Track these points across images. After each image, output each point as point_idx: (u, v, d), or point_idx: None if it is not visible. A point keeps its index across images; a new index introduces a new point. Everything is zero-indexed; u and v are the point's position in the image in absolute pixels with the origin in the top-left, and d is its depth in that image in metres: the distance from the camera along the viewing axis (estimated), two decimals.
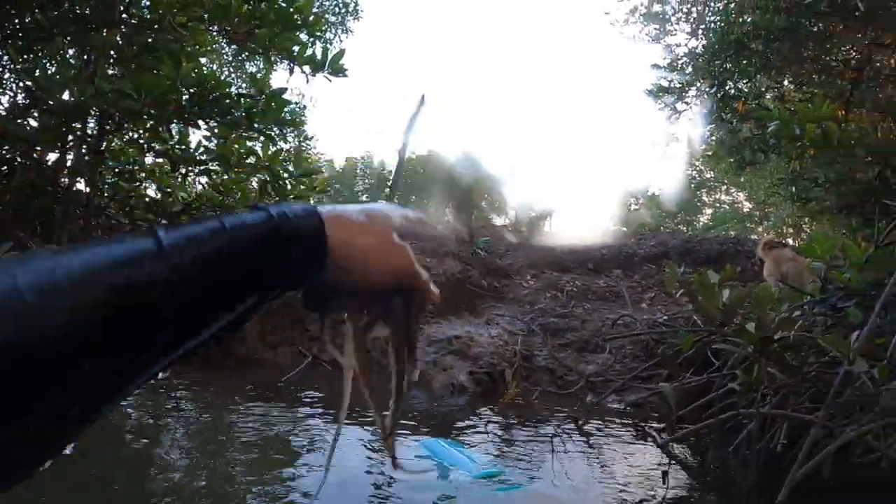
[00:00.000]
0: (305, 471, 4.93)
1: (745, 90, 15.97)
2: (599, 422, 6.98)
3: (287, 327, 9.02)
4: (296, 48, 8.27)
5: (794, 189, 13.71)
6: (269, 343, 8.83)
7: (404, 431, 6.06)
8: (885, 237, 7.75)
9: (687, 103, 17.09)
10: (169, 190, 9.66)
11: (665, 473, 5.25)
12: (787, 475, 4.75)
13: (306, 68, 8.37)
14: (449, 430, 6.30)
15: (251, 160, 9.00)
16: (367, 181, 52.15)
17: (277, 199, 9.10)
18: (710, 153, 16.76)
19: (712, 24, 16.51)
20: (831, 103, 10.79)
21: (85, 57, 8.43)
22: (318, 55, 8.31)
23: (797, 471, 4.84)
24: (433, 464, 5.22)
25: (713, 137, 17.16)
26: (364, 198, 50.65)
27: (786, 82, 15.87)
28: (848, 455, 5.33)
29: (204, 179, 9.82)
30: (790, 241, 13.81)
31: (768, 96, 14.89)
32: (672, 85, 17.00)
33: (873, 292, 6.48)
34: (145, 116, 8.09)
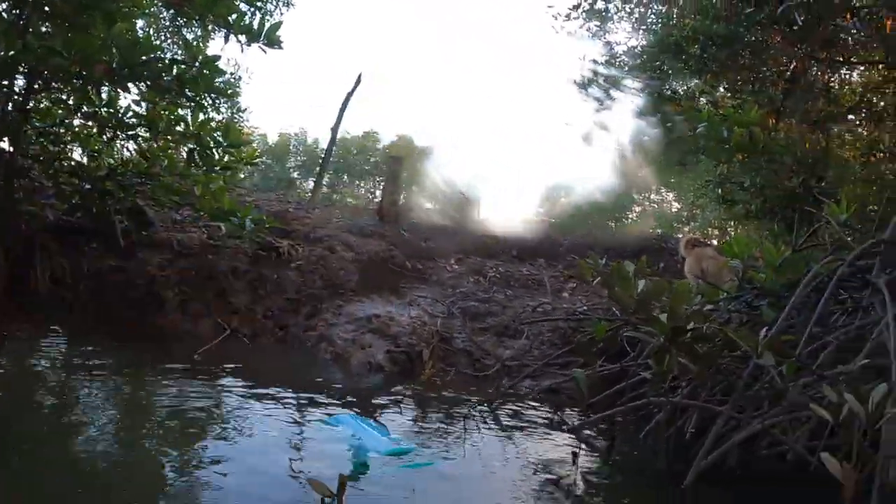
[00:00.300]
0: (219, 442, 4.89)
1: (681, 92, 16.19)
2: (514, 406, 7.01)
3: (208, 299, 8.91)
4: (233, 16, 8.14)
5: (720, 192, 13.95)
6: (188, 313, 8.70)
7: (319, 407, 6.05)
8: (804, 242, 7.95)
9: (613, 98, 17.26)
10: (95, 154, 9.47)
11: (575, 455, 5.33)
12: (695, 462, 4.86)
13: (242, 37, 8.25)
14: (364, 407, 6.28)
15: (180, 127, 8.85)
16: (299, 158, 51.61)
17: (205, 168, 8.99)
18: (639, 149, 16.96)
19: (653, 26, 16.68)
20: (762, 111, 11.01)
21: (16, 11, 8.18)
22: (256, 25, 8.20)
23: (703, 458, 4.96)
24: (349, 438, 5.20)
25: (644, 136, 17.38)
26: (295, 174, 50.22)
27: (721, 89, 16.10)
28: (754, 447, 5.41)
29: (131, 145, 9.63)
30: (714, 242, 14.05)
31: (702, 101, 15.10)
32: (602, 79, 17.17)
33: (787, 293, 6.63)
34: (74, 77, 7.91)
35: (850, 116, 17.36)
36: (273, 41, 8.28)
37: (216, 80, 8.34)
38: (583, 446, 5.74)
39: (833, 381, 4.73)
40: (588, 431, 6.20)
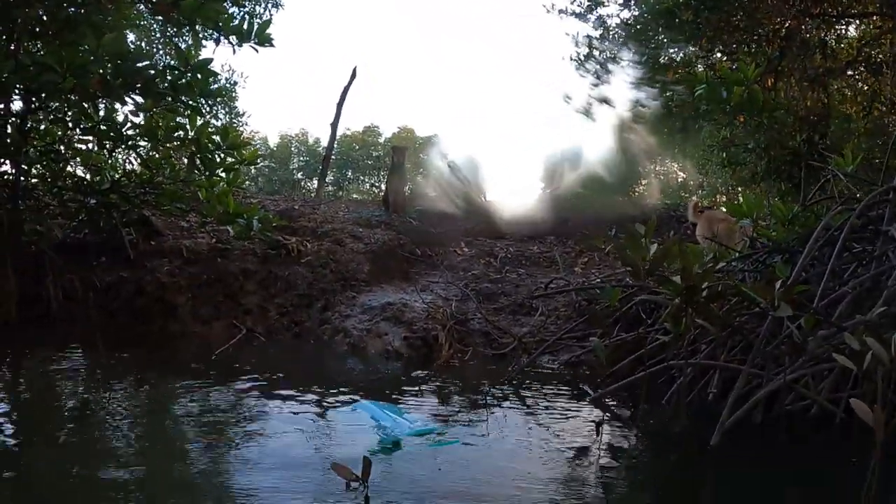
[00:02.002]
0: (244, 439, 4.88)
1: (677, 60, 16.13)
2: (535, 381, 7.00)
3: (220, 301, 8.91)
4: (222, 19, 8.11)
5: (724, 155, 13.91)
6: (201, 318, 8.70)
7: (340, 398, 6.04)
8: (812, 197, 7.92)
9: (609, 72, 17.18)
10: (97, 168, 9.47)
11: (598, 425, 5.29)
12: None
13: (233, 39, 8.22)
14: (384, 393, 6.27)
15: (179, 134, 8.84)
16: (301, 159, 51.56)
17: (207, 172, 8.99)
18: (641, 119, 16.88)
19: None
20: (759, 70, 10.95)
21: (4, 37, 8.16)
22: (245, 26, 8.17)
23: (727, 418, 4.94)
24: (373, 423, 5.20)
25: (642, 106, 17.29)
26: (299, 175, 50.15)
27: (717, 53, 16.02)
28: (776, 402, 5.39)
29: (132, 156, 9.64)
30: (722, 207, 14.00)
31: (699, 67, 15.02)
32: (597, 53, 17.09)
33: (799, 248, 6.61)
34: (69, 93, 7.89)
35: (849, 71, 17.31)
36: (264, 40, 8.24)
37: (210, 83, 8.29)
38: (606, 416, 5.76)
39: (853, 331, 4.69)
40: (610, 401, 6.20)
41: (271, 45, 8.32)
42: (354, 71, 23.86)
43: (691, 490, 4.51)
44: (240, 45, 8.29)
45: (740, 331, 6.06)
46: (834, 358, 4.56)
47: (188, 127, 8.75)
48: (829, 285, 6.08)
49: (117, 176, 9.38)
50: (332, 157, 29.22)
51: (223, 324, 8.69)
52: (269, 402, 5.83)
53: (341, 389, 6.36)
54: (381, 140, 51.09)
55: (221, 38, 8.25)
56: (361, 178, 52.01)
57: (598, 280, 9.32)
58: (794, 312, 4.91)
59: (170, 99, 8.18)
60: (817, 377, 5.64)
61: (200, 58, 8.20)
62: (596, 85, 17.39)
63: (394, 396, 6.23)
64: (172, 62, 8.29)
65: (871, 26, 17.62)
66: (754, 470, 4.75)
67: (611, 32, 17.35)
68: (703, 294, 4.90)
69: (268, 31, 8.22)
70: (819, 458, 5.02)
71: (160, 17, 9.28)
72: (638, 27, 16.24)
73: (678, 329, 5.08)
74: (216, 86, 8.64)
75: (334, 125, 24.23)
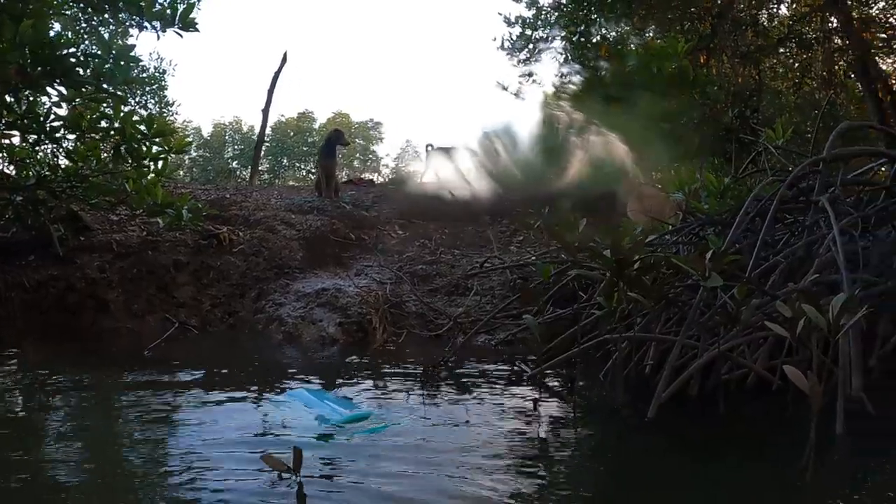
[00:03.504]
0: (177, 435, 4.74)
1: (609, 38, 16.14)
2: (472, 361, 6.98)
3: (152, 295, 8.72)
4: (143, 2, 7.88)
5: (666, 127, 13.96)
6: (134, 312, 8.51)
7: (275, 387, 5.94)
8: (744, 170, 7.97)
9: (539, 53, 17.15)
10: (22, 162, 9.17)
11: (535, 402, 5.31)
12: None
13: (156, 24, 7.99)
14: (320, 381, 6.20)
15: (104, 124, 8.58)
16: (236, 147, 51.09)
17: (134, 163, 8.75)
18: (572, 96, 16.88)
19: None
20: (690, 46, 11.00)
21: None
22: (169, 10, 7.95)
23: (663, 390, 4.91)
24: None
25: (575, 84, 17.31)
26: (234, 164, 49.65)
27: (649, 32, 16.08)
28: (713, 373, 5.39)
29: (57, 149, 9.34)
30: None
31: (632, 46, 15.05)
32: (531, 33, 17.04)
33: (731, 220, 6.64)
34: None
35: (781, 49, 17.55)
36: (188, 24, 8.02)
37: (132, 70, 8.05)
38: (543, 393, 5.73)
39: (786, 300, 4.69)
40: (548, 378, 6.18)
41: (195, 30, 8.10)
42: (285, 56, 23.65)
43: (631, 463, 4.48)
44: (163, 31, 8.05)
45: (675, 303, 6.05)
46: (767, 326, 4.55)
47: (113, 116, 8.49)
48: (761, 255, 6.12)
49: (44, 171, 9.09)
50: (267, 143, 29.02)
51: (157, 317, 8.55)
52: (202, 395, 5.70)
53: (276, 379, 6.26)
54: (316, 126, 50.88)
55: (145, 23, 8.01)
56: (297, 164, 51.73)
57: (533, 258, 9.28)
58: (725, 282, 4.92)
59: (93, 88, 7.93)
60: (753, 346, 5.68)
61: (122, 44, 7.97)
62: (527, 65, 17.34)
63: (330, 383, 6.15)
64: (97, 50, 8.01)
65: (802, 4, 17.88)
66: (693, 441, 4.77)
67: (543, 12, 17.29)
68: (635, 267, 4.87)
69: (192, 15, 8.01)
70: (757, 426, 5.03)
71: (83, 3, 8.97)
72: (570, 6, 16.21)
73: (611, 304, 5.05)
74: (144, 74, 8.37)
75: (266, 111, 23.98)
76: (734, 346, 5.47)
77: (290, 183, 40.97)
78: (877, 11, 17.57)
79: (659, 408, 4.84)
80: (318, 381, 6.21)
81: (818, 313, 3.90)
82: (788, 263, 6.24)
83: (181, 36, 8.05)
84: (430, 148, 16.66)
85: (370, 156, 55.14)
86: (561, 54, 16.79)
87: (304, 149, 50.22)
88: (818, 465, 3.83)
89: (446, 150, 16.40)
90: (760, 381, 5.39)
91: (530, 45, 16.95)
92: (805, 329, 4.05)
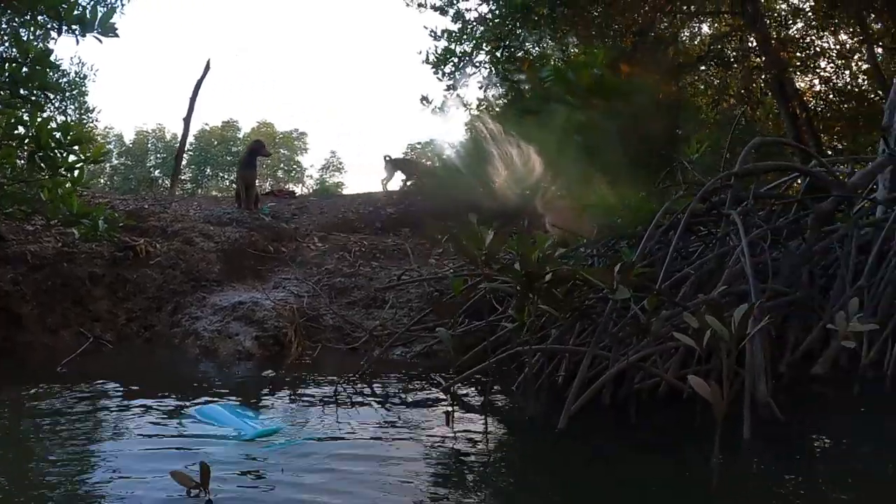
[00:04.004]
0: (90, 453, 4.65)
1: (533, 54, 16.29)
2: (388, 374, 6.97)
3: (67, 308, 8.51)
4: (64, 7, 7.70)
5: (581, 140, 14.05)
6: (48, 326, 8.29)
7: (188, 403, 5.83)
8: (659, 183, 8.07)
9: (466, 64, 17.22)
10: None
11: (448, 415, 5.30)
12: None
13: (76, 28, 7.82)
14: (235, 396, 6.12)
15: (20, 130, 8.35)
16: (159, 156, 50.28)
17: (49, 172, 8.54)
18: (496, 109, 16.98)
19: None
20: (615, 63, 11.09)
21: None
22: (89, 15, 7.78)
23: (573, 402, 4.93)
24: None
25: (497, 98, 17.42)
26: (157, 173, 48.85)
27: (572, 48, 16.25)
28: (625, 383, 5.45)
29: None
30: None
31: (553, 60, 15.19)
32: (456, 48, 17.09)
33: (644, 233, 6.72)
34: None
35: (701, 66, 17.89)
36: (107, 30, 7.84)
37: (49, 75, 7.86)
38: (456, 405, 5.73)
39: (695, 310, 4.75)
40: (464, 390, 6.20)
41: (115, 36, 7.92)
42: (208, 64, 23.45)
43: (543, 472, 4.49)
44: (83, 36, 7.88)
45: (588, 315, 6.09)
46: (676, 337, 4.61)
47: (29, 123, 8.27)
48: (673, 267, 6.20)
49: None
50: (189, 152, 28.66)
51: (71, 332, 8.33)
52: (114, 411, 5.62)
53: (191, 394, 6.16)
54: (241, 135, 50.40)
55: (64, 27, 7.84)
56: (221, 174, 51.10)
57: (451, 270, 9.28)
58: (635, 294, 4.97)
59: (8, 93, 7.73)
60: (665, 356, 5.74)
61: (41, 48, 7.79)
62: (451, 79, 17.40)
63: (245, 398, 6.07)
64: (15, 54, 7.81)
65: (723, 24, 18.27)
66: (605, 450, 4.83)
67: (469, 27, 17.37)
68: (545, 280, 4.88)
69: (112, 20, 7.84)
70: (667, 434, 5.09)
71: (1, 5, 8.74)
72: (495, 21, 16.32)
73: (522, 316, 5.06)
74: (64, 79, 8.17)
75: (187, 120, 23.72)
76: (646, 356, 5.52)
77: (214, 193, 40.50)
78: (794, 32, 18.06)
79: (572, 418, 4.87)
80: (233, 395, 6.13)
81: (720, 324, 3.96)
82: (699, 275, 6.36)
83: (100, 41, 7.88)
84: (387, 158, 16.89)
85: (294, 166, 54.76)
86: (486, 68, 16.88)
87: (228, 158, 49.56)
88: (724, 470, 3.94)
89: (403, 161, 16.57)
90: (672, 390, 5.44)
91: (455, 59, 16.98)
92: (713, 339, 4.10)
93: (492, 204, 10.85)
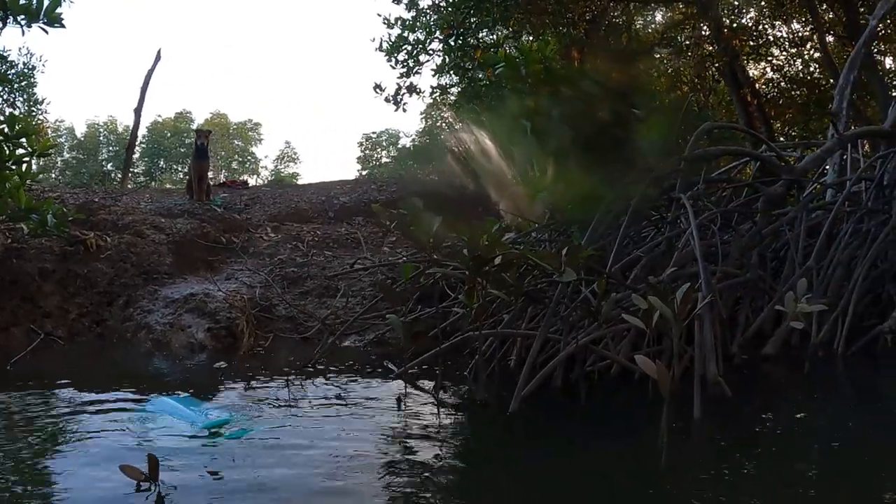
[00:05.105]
0: (39, 452, 4.55)
1: (487, 42, 16.27)
2: (340, 363, 6.93)
3: (17, 305, 8.36)
4: None
5: (530, 125, 14.08)
6: None
7: (140, 396, 5.76)
8: (612, 168, 8.09)
9: (419, 62, 17.17)
10: None
11: (399, 400, 5.35)
12: None
13: (22, 19, 7.66)
14: (187, 388, 6.03)
15: None
16: (111, 148, 49.68)
17: None
18: (450, 97, 16.97)
19: None
20: (563, 47, 11.10)
21: None
22: (35, 4, 7.63)
23: (523, 386, 4.93)
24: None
25: (450, 86, 17.41)
26: (109, 167, 48.32)
27: (525, 35, 16.26)
28: (576, 365, 5.48)
29: None
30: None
31: (507, 49, 15.19)
32: (410, 36, 17.04)
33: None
34: None
35: (655, 54, 17.99)
36: (53, 20, 7.67)
37: None
38: (409, 390, 5.72)
39: (645, 293, 4.76)
40: (416, 376, 6.17)
41: (61, 26, 7.76)
42: (159, 53, 23.14)
43: (495, 456, 4.54)
44: (29, 26, 7.74)
45: (539, 299, 6.09)
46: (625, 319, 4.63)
47: None
48: (624, 250, 6.23)
49: None
50: (142, 145, 28.34)
51: (22, 329, 8.16)
52: (66, 407, 5.52)
53: (142, 388, 6.07)
54: (194, 126, 49.97)
55: (10, 17, 7.69)
56: (174, 166, 50.68)
57: (404, 258, 9.25)
58: (585, 277, 4.98)
59: None
60: (617, 338, 5.77)
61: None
62: (405, 67, 17.34)
63: (197, 390, 5.98)
64: None
65: (676, 12, 18.39)
66: (557, 431, 4.83)
67: (422, 15, 17.33)
68: (494, 264, 4.88)
69: (59, 10, 7.70)
70: (619, 415, 5.15)
71: None
72: (448, 9, 16.28)
73: (471, 301, 5.05)
74: (12, 71, 8.01)
75: (138, 111, 23.34)
76: (599, 338, 5.56)
77: (167, 186, 40.17)
78: (747, 20, 18.24)
79: (523, 401, 4.90)
80: (185, 388, 6.06)
81: (663, 305, 3.98)
82: (650, 258, 6.41)
83: (46, 32, 7.75)
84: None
85: (249, 157, 54.50)
86: (439, 56, 16.84)
87: (182, 150, 49.27)
88: (674, 450, 3.94)
89: None
90: (624, 371, 5.48)
91: (408, 47, 16.93)
92: (662, 320, 4.11)
93: (448, 191, 10.85)
